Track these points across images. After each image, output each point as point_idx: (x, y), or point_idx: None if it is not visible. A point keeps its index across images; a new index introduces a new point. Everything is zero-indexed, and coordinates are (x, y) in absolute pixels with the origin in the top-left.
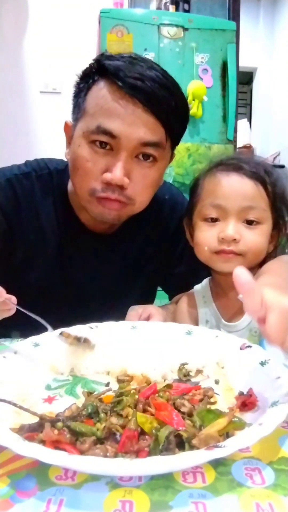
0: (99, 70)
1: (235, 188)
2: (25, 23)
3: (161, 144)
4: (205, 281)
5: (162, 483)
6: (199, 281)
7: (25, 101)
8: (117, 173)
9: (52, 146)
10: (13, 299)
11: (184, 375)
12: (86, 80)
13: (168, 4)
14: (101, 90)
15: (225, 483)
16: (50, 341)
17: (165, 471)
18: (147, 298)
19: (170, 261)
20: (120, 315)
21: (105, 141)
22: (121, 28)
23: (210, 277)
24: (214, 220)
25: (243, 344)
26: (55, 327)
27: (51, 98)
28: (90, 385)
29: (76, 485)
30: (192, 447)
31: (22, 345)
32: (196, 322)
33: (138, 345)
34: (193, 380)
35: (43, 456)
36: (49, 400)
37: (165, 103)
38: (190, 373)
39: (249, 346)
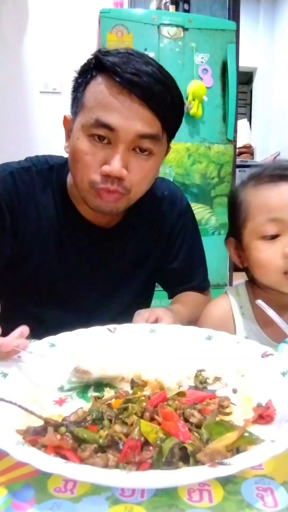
0: (97, 66)
1: None
2: (25, 23)
3: (157, 137)
4: (242, 288)
5: (166, 501)
6: (195, 276)
7: (25, 101)
8: (115, 165)
9: (52, 146)
10: (23, 344)
11: (201, 382)
12: (85, 75)
13: (168, 4)
14: (99, 85)
15: (234, 504)
16: (66, 341)
17: (161, 486)
18: (146, 293)
19: (167, 256)
20: (119, 308)
21: (103, 135)
22: (121, 28)
23: (245, 282)
24: (273, 237)
25: (265, 352)
26: (54, 319)
27: (51, 98)
28: (103, 389)
29: (74, 498)
30: (197, 462)
31: (38, 345)
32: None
33: (156, 349)
34: (209, 388)
35: (37, 462)
36: (60, 402)
37: (161, 97)
38: (208, 380)
39: (271, 355)
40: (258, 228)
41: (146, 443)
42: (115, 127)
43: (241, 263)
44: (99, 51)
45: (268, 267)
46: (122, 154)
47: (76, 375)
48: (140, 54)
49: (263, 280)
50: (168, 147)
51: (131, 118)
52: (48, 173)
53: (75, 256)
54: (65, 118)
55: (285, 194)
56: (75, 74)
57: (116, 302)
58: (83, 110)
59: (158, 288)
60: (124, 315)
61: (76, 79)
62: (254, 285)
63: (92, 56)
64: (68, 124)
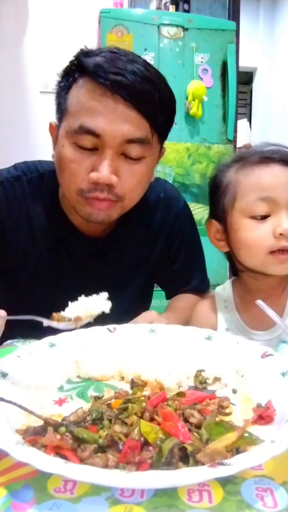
0: (78, 68)
1: (282, 178)
2: (25, 23)
3: (146, 140)
4: (228, 283)
5: (166, 501)
6: (194, 278)
7: (25, 101)
8: (104, 172)
9: (51, 146)
10: (2, 313)
11: (201, 383)
12: (67, 78)
13: (168, 4)
14: (81, 88)
15: (233, 504)
16: (66, 341)
17: (161, 486)
18: (145, 295)
19: (166, 259)
20: (118, 312)
21: (88, 146)
22: (121, 28)
23: (233, 278)
24: (262, 217)
25: (265, 352)
26: (52, 327)
27: (51, 98)
28: (102, 389)
29: (74, 499)
30: (197, 462)
31: (37, 345)
32: (214, 329)
33: (155, 349)
34: (209, 388)
35: (36, 462)
36: (60, 402)
37: (148, 96)
38: (207, 381)
39: (271, 355)
40: (248, 207)
41: (146, 443)
42: (100, 133)
43: (222, 247)
44: (81, 51)
45: (255, 247)
46: (110, 160)
47: (68, 323)
48: (125, 52)
49: (248, 262)
50: (162, 149)
51: (116, 121)
52: (38, 182)
53: (69, 267)
54: (50, 125)
55: (277, 174)
56: (58, 78)
57: (115, 307)
58: (67, 115)
59: (158, 288)
60: (123, 319)
61: (59, 83)
62: (237, 277)
63: (73, 58)
64: (54, 131)
